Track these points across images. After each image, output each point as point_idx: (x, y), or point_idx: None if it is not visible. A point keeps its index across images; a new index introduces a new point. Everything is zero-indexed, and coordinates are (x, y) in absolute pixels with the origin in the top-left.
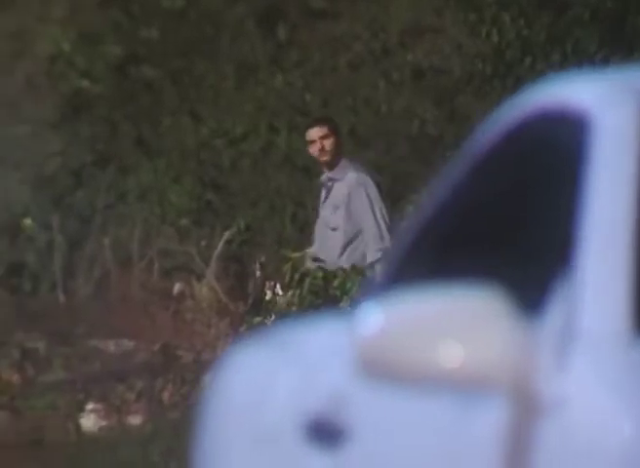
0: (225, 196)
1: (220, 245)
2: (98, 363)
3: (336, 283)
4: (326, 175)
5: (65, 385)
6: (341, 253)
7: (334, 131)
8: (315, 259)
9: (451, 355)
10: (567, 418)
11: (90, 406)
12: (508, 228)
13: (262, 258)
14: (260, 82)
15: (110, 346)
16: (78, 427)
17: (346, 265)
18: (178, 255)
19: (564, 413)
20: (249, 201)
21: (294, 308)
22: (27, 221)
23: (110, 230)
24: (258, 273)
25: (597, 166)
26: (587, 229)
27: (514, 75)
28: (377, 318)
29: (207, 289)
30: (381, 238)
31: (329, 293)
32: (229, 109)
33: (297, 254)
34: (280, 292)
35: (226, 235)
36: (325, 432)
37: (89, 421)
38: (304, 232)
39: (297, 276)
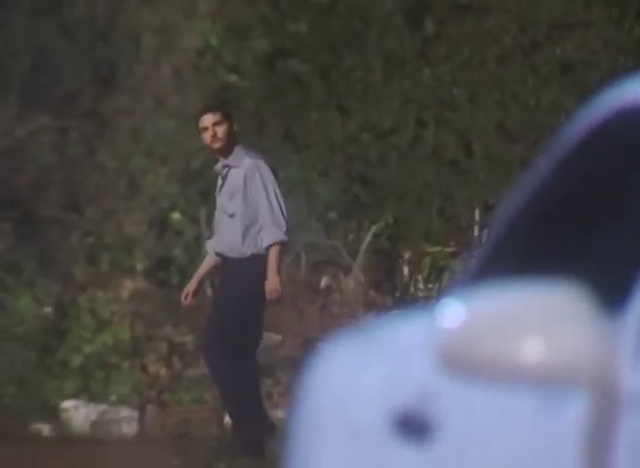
0: (373, 190)
1: (368, 239)
2: None
3: None
4: (220, 162)
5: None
6: (243, 240)
7: (227, 117)
8: (217, 253)
9: (532, 350)
10: None
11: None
12: (592, 224)
13: (409, 252)
14: (408, 76)
15: None
16: (221, 421)
17: (248, 252)
18: (325, 249)
19: None
20: (396, 195)
21: (433, 301)
22: (175, 215)
23: None
24: (404, 266)
25: None
26: None
27: None
28: (459, 312)
29: (354, 282)
30: (277, 222)
31: None
32: (377, 103)
33: (435, 249)
34: (421, 286)
35: (373, 229)
36: (413, 426)
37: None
38: (451, 226)
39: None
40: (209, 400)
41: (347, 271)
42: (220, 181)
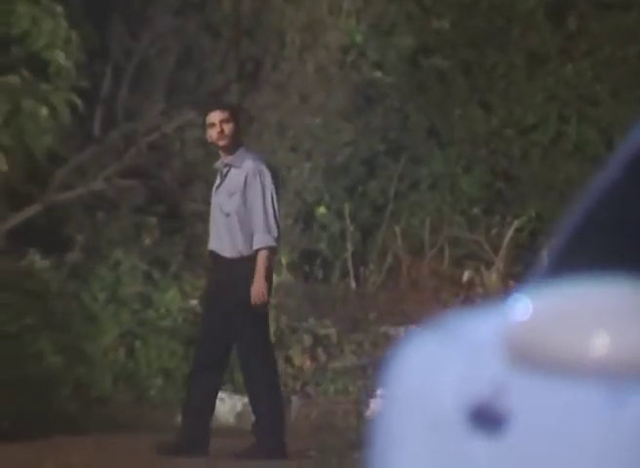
0: (516, 185)
1: (510, 233)
2: (388, 349)
3: None
4: (222, 160)
5: (356, 371)
6: (242, 239)
7: (234, 116)
8: (210, 253)
9: (598, 344)
10: None
11: (380, 391)
12: None
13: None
14: (550, 72)
15: (401, 333)
16: (361, 413)
17: (244, 252)
18: (468, 243)
19: None
20: (539, 190)
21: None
22: (321, 210)
23: (402, 218)
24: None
25: None
26: None
27: None
28: (526, 307)
29: (496, 276)
30: (268, 228)
31: None
32: (520, 99)
33: None
34: None
35: (516, 224)
36: (486, 418)
37: (378, 407)
38: None
39: None
40: (353, 392)
41: (489, 265)
42: (218, 179)
